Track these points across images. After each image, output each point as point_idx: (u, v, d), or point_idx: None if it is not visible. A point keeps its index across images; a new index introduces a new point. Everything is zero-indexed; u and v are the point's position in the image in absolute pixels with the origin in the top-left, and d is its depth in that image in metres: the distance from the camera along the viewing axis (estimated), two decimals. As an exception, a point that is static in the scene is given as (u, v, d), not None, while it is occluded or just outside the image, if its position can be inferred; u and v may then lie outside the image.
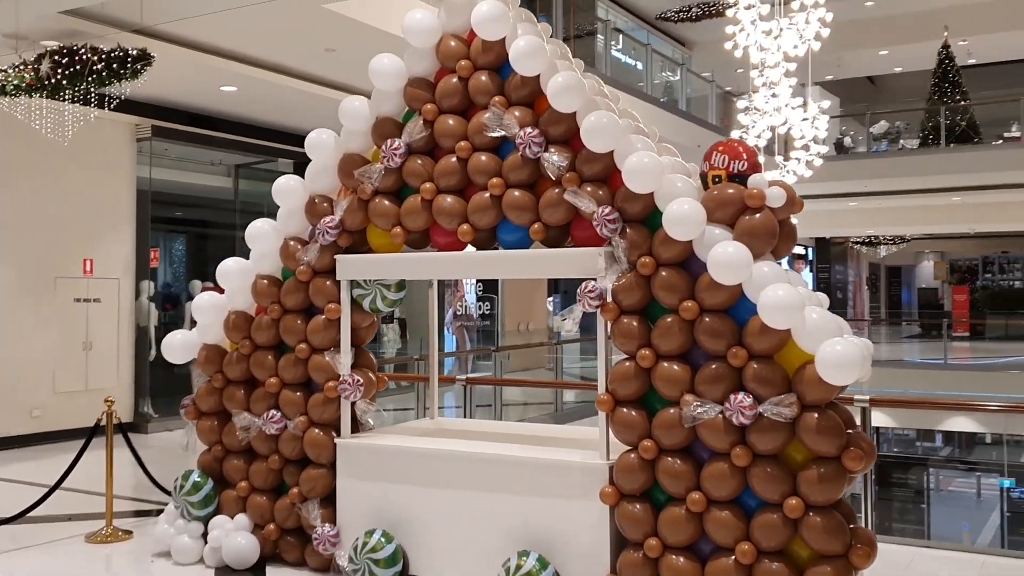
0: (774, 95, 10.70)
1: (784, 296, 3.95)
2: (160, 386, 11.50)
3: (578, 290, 4.46)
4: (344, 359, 5.20)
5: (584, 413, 12.62)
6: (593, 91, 4.60)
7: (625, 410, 4.38)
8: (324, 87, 10.84)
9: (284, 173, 13.75)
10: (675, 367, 4.26)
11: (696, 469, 4.24)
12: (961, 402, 10.31)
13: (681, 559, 4.21)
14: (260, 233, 5.44)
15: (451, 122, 4.90)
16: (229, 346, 5.59)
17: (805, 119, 11.08)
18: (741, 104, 11.31)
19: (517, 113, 4.67)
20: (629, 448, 4.39)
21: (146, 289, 11.44)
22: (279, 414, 5.33)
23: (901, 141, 22.94)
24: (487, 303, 17.61)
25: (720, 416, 4.12)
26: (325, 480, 5.21)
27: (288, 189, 5.37)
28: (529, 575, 4.43)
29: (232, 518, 5.43)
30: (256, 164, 13.37)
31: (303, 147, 5.35)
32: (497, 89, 4.79)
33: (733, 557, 4.09)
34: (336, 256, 5.24)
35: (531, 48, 4.54)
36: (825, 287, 31.30)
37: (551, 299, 19.73)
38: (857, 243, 33.34)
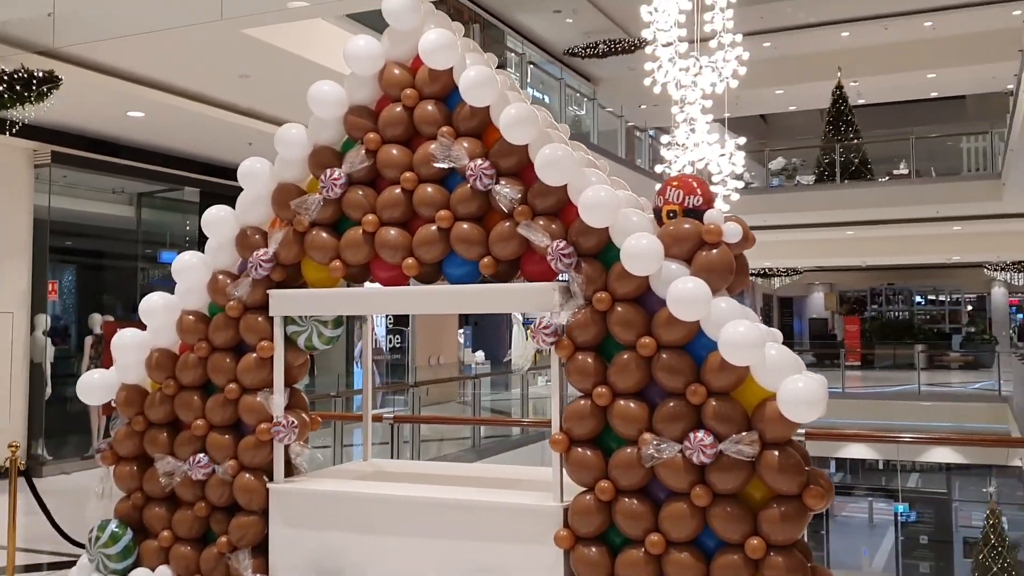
0: (692, 130, 10.89)
1: (745, 332, 3.91)
2: (55, 426, 10.86)
3: (531, 327, 4.33)
4: (278, 399, 4.94)
5: (501, 448, 12.50)
6: (545, 123, 4.52)
7: (581, 450, 4.26)
8: (235, 114, 10.52)
9: (189, 202, 13.18)
10: (632, 405, 4.17)
11: (654, 510, 4.15)
12: (883, 433, 10.57)
13: (640, 603, 4.10)
14: (187, 266, 5.14)
15: (395, 152, 4.73)
16: (151, 386, 5.26)
17: (723, 155, 11.32)
18: (665, 139, 11.48)
19: (466, 144, 4.54)
20: (585, 489, 4.27)
21: (42, 323, 10.80)
22: (206, 458, 5.02)
23: (797, 177, 23.74)
24: (397, 336, 17.28)
25: (680, 455, 4.04)
26: (256, 528, 4.92)
27: (218, 220, 5.09)
28: (481, 624, 4.25)
29: (153, 571, 5.07)
30: (160, 192, 12.85)
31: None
32: (444, 119, 4.66)
33: (694, 600, 4.01)
34: (269, 291, 4.99)
35: (482, 78, 4.43)
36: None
37: (462, 331, 19.55)
38: (753, 275, 34.37)
